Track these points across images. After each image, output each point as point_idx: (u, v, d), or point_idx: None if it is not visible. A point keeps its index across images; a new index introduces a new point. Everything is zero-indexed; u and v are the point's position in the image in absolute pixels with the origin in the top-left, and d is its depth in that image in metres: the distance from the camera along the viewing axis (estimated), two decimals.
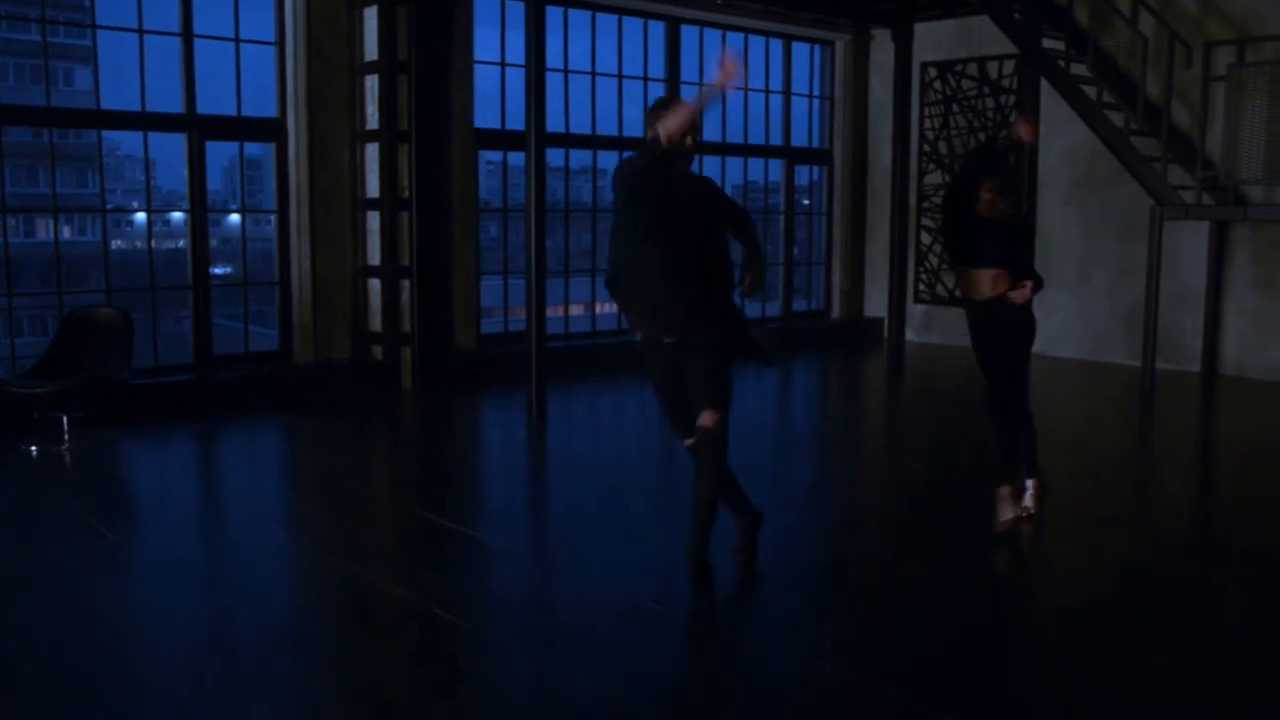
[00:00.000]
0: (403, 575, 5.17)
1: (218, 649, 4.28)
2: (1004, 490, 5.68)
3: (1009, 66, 11.96)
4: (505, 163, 10.80)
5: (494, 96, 10.43)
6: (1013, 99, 11.96)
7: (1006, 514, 5.65)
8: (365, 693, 3.83)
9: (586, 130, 11.35)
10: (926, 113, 12.83)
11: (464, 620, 4.40)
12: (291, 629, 4.56)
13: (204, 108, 8.96)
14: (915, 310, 13.15)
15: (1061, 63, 10.12)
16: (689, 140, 4.41)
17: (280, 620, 4.62)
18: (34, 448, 7.37)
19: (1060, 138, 11.35)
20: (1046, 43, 10.31)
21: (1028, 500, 5.74)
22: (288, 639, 4.41)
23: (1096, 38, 10.08)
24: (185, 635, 4.37)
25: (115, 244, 9.60)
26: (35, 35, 27.62)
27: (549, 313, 9.50)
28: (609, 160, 11.90)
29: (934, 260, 12.87)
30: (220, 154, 9.35)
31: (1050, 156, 11.58)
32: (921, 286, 13.08)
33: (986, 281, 5.48)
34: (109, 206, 9.71)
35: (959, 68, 12.49)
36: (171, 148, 9.19)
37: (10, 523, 5.94)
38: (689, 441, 4.61)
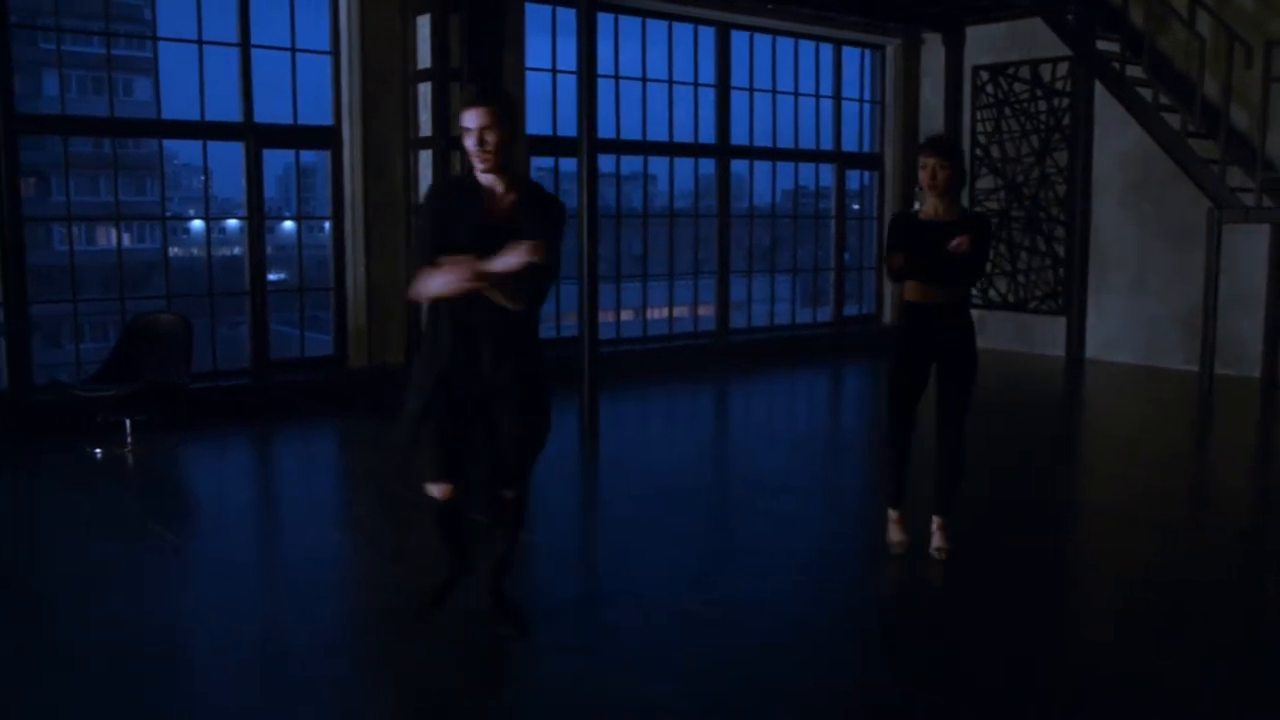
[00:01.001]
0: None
1: (274, 648, 4.36)
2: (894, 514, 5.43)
3: (1062, 69, 11.86)
4: (556, 168, 10.87)
5: (545, 103, 10.53)
6: (1066, 101, 11.86)
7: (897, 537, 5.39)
8: (417, 691, 3.89)
9: (637, 136, 11.39)
10: (978, 116, 12.75)
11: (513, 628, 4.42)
12: (346, 629, 4.63)
13: (261, 116, 9.11)
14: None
15: (1116, 64, 10.02)
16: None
17: (335, 620, 4.70)
18: (98, 450, 7.52)
19: (1115, 141, 11.24)
20: (1101, 44, 10.21)
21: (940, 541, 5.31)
22: (342, 639, 4.49)
23: (1152, 38, 9.97)
24: (242, 634, 4.45)
25: (173, 251, 9.79)
26: (95, 48, 28.04)
27: (600, 317, 9.53)
28: (660, 166, 11.96)
29: (986, 266, 12.75)
30: (273, 162, 9.50)
31: (1105, 160, 11.47)
32: (974, 291, 12.98)
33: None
34: (163, 214, 9.88)
35: (1011, 71, 12.40)
36: (226, 156, 9.34)
37: (75, 523, 6.07)
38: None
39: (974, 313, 12.80)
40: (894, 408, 5.29)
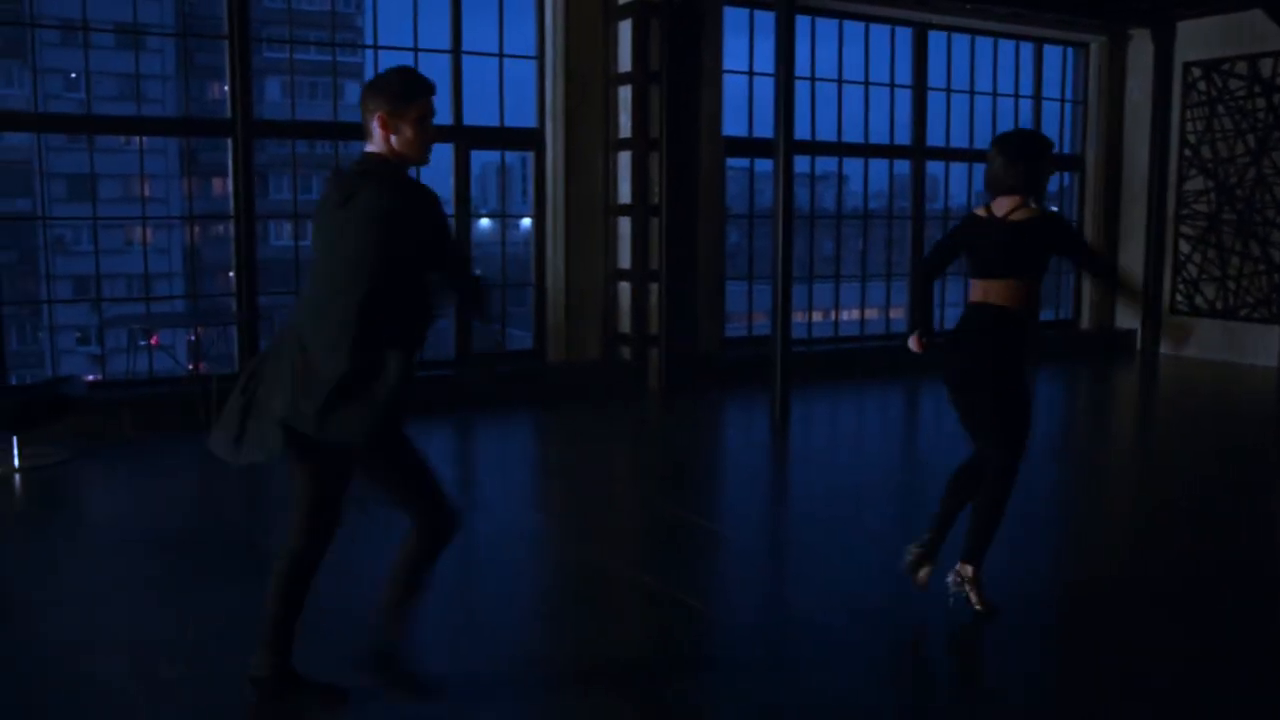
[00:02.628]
0: (643, 561, 5.43)
1: (470, 616, 4.65)
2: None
3: None
4: (751, 169, 11.01)
5: (742, 104, 10.68)
6: None
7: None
8: (607, 665, 4.09)
9: (832, 137, 11.42)
10: (1188, 115, 12.27)
11: (701, 606, 4.58)
12: (541, 605, 4.90)
13: (469, 119, 9.55)
14: (1172, 322, 12.57)
15: None
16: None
17: (530, 595, 4.97)
18: None
19: None
20: None
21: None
22: (536, 612, 4.76)
23: None
24: (442, 602, 4.71)
25: None
26: (310, 55, 29.52)
27: (792, 317, 9.62)
28: (854, 167, 11.95)
29: (1193, 270, 12.29)
30: (473, 162, 9.89)
31: None
32: (1179, 297, 12.50)
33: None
34: None
35: (1226, 66, 11.89)
36: (434, 156, 9.79)
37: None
38: None
39: (1180, 319, 12.34)
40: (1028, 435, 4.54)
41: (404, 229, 3.37)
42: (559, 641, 4.43)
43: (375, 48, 9.27)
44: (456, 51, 9.47)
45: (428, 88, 3.50)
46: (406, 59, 9.27)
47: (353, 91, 36.64)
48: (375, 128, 3.43)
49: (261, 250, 9.19)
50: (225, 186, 8.69)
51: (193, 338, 8.83)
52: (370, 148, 3.47)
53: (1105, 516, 6.44)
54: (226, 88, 8.67)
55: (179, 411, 8.09)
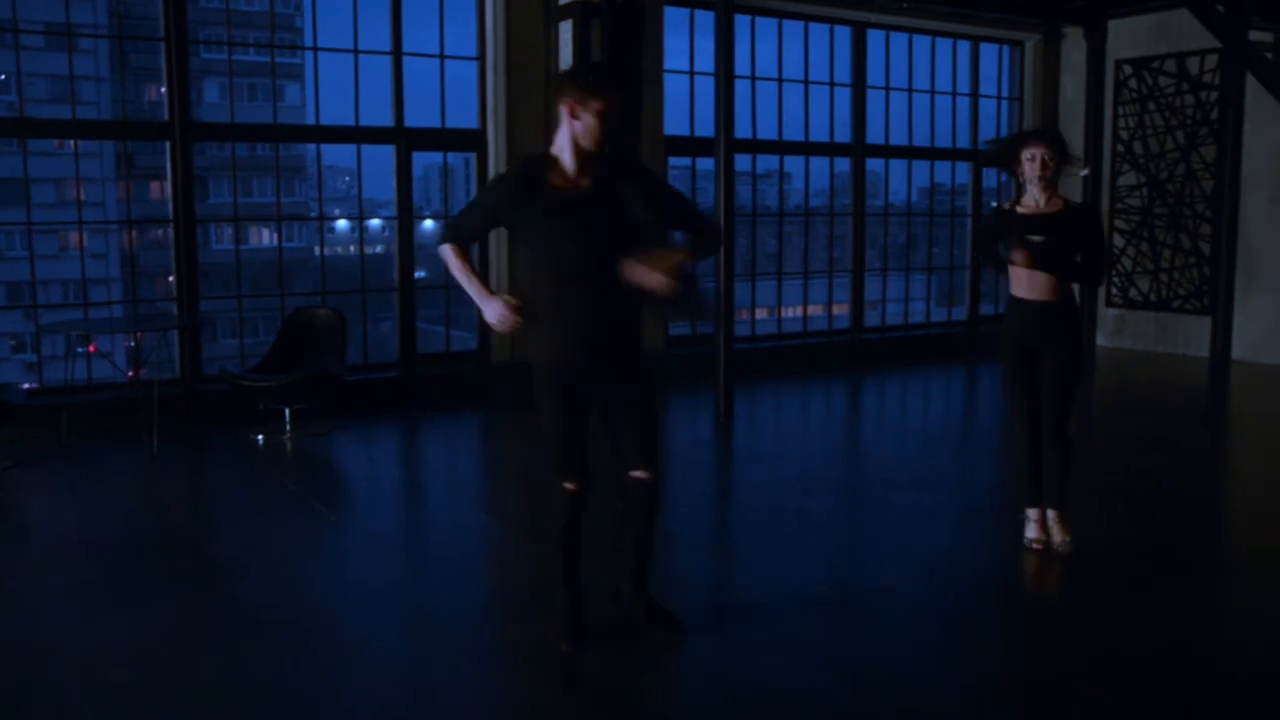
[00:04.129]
0: (593, 559, 5.45)
1: (420, 616, 4.67)
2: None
3: (1210, 61, 11.57)
4: (693, 168, 11.06)
5: (683, 104, 10.73)
6: (1214, 95, 11.57)
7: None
8: (557, 659, 4.14)
9: (773, 135, 11.52)
10: (1120, 112, 12.51)
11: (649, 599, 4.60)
12: (490, 600, 4.94)
13: (410, 120, 9.53)
14: (1108, 314, 12.82)
15: (1269, 55, 9.76)
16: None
17: (479, 593, 5.01)
18: (260, 436, 8.00)
19: (1267, 135, 10.93)
20: (1253, 34, 9.94)
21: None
22: (486, 609, 4.80)
23: None
24: (391, 602, 4.78)
25: (319, 249, 10.30)
26: (250, 56, 29.26)
27: (735, 315, 9.69)
28: (795, 165, 12.05)
29: (1127, 263, 12.54)
30: (415, 163, 9.85)
31: (1255, 155, 11.13)
32: (1114, 290, 12.75)
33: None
34: (318, 214, 10.38)
35: (1156, 64, 12.15)
36: (371, 157, 9.78)
37: (240, 502, 6.51)
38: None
39: (1114, 312, 12.63)
40: (1017, 407, 5.33)
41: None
42: (506, 633, 4.46)
43: (315, 49, 9.20)
44: (397, 53, 9.44)
45: (613, 85, 3.92)
46: (347, 61, 9.25)
47: (293, 93, 36.38)
48: (563, 114, 3.91)
49: (202, 255, 9.11)
50: (164, 190, 8.60)
51: (131, 344, 8.71)
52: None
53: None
54: (164, 90, 8.58)
55: (119, 418, 8.01)
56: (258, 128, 10.64)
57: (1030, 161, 4.96)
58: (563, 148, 3.98)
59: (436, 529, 6.17)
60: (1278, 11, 9.68)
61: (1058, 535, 5.27)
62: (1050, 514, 5.30)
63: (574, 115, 3.88)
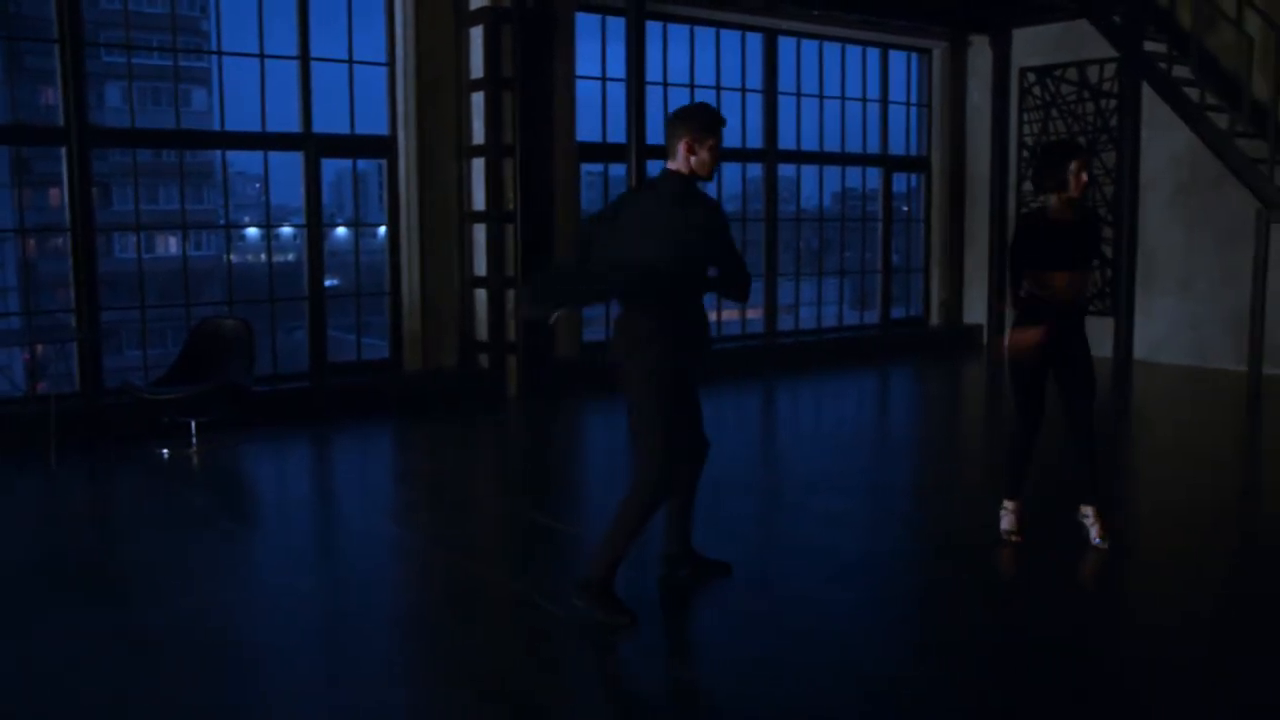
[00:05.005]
0: (509, 568, 5.42)
1: (333, 633, 4.57)
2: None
3: (1110, 70, 11.87)
4: (606, 174, 11.06)
5: (595, 110, 10.71)
6: (1113, 103, 11.87)
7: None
8: (474, 674, 4.08)
9: None
10: (1025, 118, 12.78)
11: (566, 611, 4.58)
12: (404, 616, 4.83)
13: (319, 126, 9.37)
14: (1011, 316, 13.05)
15: (1164, 65, 10.04)
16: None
17: (394, 607, 4.91)
18: (164, 450, 7.80)
19: (1163, 142, 11.24)
20: (1148, 45, 10.23)
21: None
22: (401, 625, 4.70)
23: (1200, 38, 9.97)
24: (303, 619, 4.67)
25: (228, 257, 10.10)
26: (154, 60, 28.59)
27: None
28: None
29: None
30: (327, 170, 9.70)
31: (1152, 160, 11.46)
32: (1021, 293, 12.97)
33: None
34: (225, 222, 10.17)
35: (1058, 72, 12.43)
36: (281, 164, 9.59)
37: (144, 518, 6.34)
38: None
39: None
40: (1029, 409, 5.59)
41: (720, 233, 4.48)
42: (423, 650, 4.39)
43: (219, 53, 8.99)
44: (305, 58, 9.28)
45: (722, 122, 4.47)
46: (254, 65, 9.06)
47: (199, 98, 35.59)
48: (680, 149, 4.41)
49: (104, 264, 8.87)
50: (63, 197, 8.34)
51: (28, 356, 8.44)
52: (672, 165, 4.44)
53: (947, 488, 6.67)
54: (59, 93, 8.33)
55: (17, 433, 7.75)
56: (160, 133, 10.37)
57: (1076, 176, 5.29)
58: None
59: (348, 543, 6.05)
60: (1171, 23, 9.95)
61: (1096, 532, 5.41)
62: (1087, 510, 5.47)
63: (691, 151, 4.40)
